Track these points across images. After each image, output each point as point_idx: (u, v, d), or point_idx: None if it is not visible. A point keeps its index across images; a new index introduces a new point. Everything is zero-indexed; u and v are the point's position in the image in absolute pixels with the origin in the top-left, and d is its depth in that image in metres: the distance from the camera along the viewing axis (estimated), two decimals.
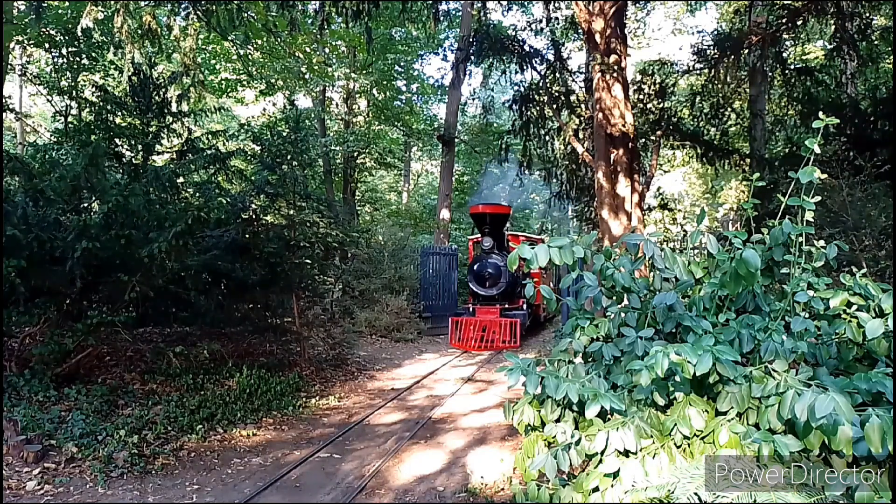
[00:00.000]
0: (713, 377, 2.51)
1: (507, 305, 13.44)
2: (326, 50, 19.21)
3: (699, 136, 12.16)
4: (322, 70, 17.99)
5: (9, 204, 6.09)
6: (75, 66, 13.86)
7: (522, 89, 12.61)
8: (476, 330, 12.76)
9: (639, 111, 11.56)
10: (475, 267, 13.64)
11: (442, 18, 12.92)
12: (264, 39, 15.66)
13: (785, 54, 12.08)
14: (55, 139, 11.09)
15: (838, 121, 5.69)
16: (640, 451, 2.56)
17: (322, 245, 9.81)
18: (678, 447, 2.58)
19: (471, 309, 13.59)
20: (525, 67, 12.15)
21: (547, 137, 13.15)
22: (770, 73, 11.14)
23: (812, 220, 2.89)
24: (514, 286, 13.78)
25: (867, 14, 10.17)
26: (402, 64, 22.77)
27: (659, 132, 11.30)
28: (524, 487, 2.94)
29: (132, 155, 8.59)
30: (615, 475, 2.58)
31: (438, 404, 7.60)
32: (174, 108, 9.10)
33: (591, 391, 2.62)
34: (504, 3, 15.45)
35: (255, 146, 10.30)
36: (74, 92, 13.11)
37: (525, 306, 13.85)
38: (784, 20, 9.69)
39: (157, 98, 8.74)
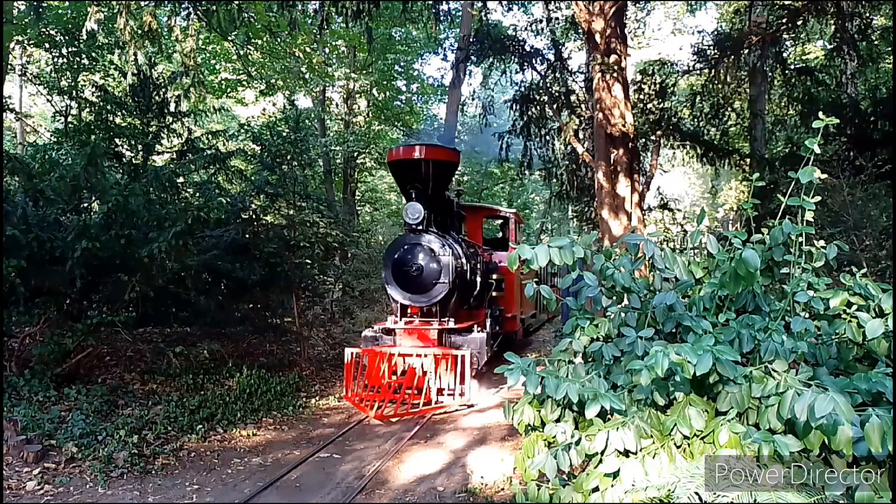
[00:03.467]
0: (713, 377, 2.51)
1: (452, 325, 7.49)
2: (326, 50, 19.21)
3: (699, 136, 12.14)
4: (322, 70, 17.99)
5: (9, 204, 6.10)
6: (75, 66, 13.85)
7: (522, 89, 12.60)
8: (390, 373, 7.01)
9: (639, 111, 11.55)
10: (395, 256, 7.57)
11: (442, 18, 12.84)
12: (264, 39, 15.65)
13: (785, 54, 12.06)
14: (55, 139, 11.10)
15: (838, 121, 5.70)
16: (640, 450, 2.56)
17: (322, 245, 9.82)
18: (678, 447, 2.58)
19: (392, 331, 7.62)
20: (525, 67, 12.14)
21: (547, 137, 13.14)
22: (770, 73, 11.13)
23: (812, 220, 2.89)
24: (466, 290, 8.16)
25: (867, 14, 10.16)
26: (402, 64, 22.78)
27: (659, 132, 11.29)
28: (524, 487, 2.94)
29: (132, 155, 8.62)
30: (615, 475, 2.58)
31: None
32: (174, 108, 9.13)
33: (591, 391, 2.62)
34: (504, 3, 15.45)
35: (255, 146, 10.32)
36: (74, 92, 13.11)
37: (489, 322, 8.37)
38: (784, 20, 9.68)
39: (157, 98, 8.77)
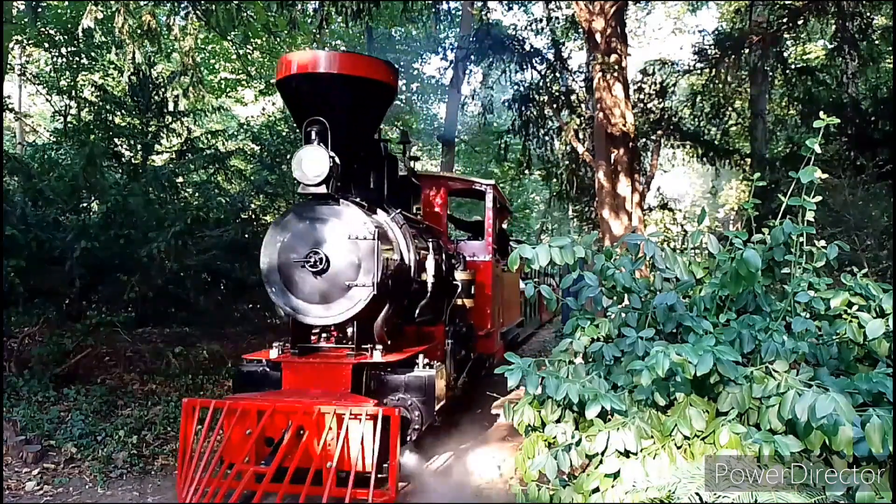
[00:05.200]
0: (714, 377, 2.50)
1: (379, 356, 4.29)
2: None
3: (700, 135, 12.14)
4: None
5: (8, 204, 6.09)
6: (75, 66, 13.85)
7: (522, 89, 12.59)
8: (253, 443, 3.65)
9: (639, 111, 11.54)
10: (282, 240, 4.39)
11: (442, 18, 12.82)
12: (263, 39, 15.65)
13: (786, 54, 12.06)
14: (54, 139, 11.10)
15: (839, 120, 5.70)
16: (641, 451, 2.55)
17: None
18: (679, 448, 2.57)
19: (279, 366, 4.41)
20: (525, 67, 12.12)
21: (547, 137, 13.12)
22: (771, 73, 11.13)
23: (813, 220, 2.88)
24: (410, 298, 5.10)
25: (868, 14, 10.16)
26: (401, 64, 22.76)
27: (659, 132, 11.29)
28: (524, 488, 2.93)
29: (131, 155, 8.62)
30: (616, 476, 2.57)
31: None
32: (173, 107, 9.13)
33: (592, 391, 2.62)
34: (504, 2, 15.44)
35: (255, 146, 10.30)
36: (74, 91, 13.11)
37: (449, 345, 5.45)
38: (785, 20, 9.67)
39: (156, 98, 8.77)
